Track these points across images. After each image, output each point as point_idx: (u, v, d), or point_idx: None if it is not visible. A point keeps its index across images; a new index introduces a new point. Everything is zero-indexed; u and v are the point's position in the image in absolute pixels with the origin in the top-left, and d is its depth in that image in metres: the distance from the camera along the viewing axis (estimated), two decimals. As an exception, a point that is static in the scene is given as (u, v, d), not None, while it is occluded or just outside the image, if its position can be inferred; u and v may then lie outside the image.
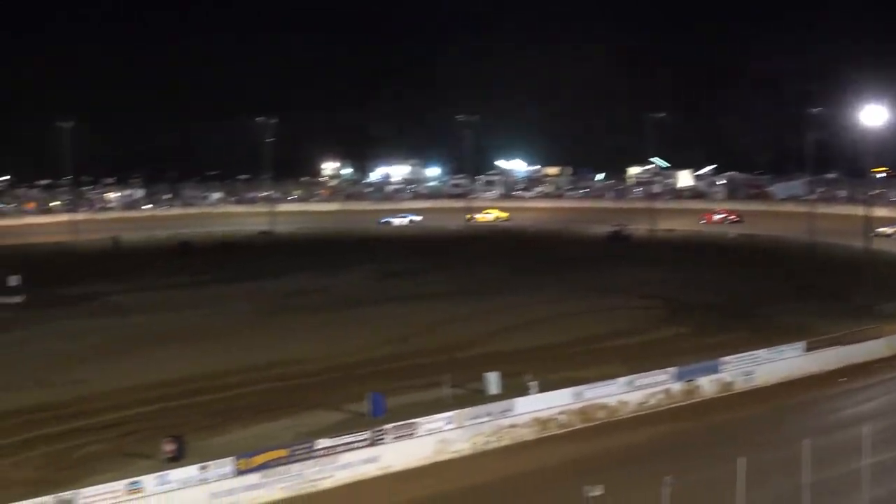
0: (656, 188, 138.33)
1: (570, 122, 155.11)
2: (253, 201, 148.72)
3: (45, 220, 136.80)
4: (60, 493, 34.98)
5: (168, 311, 73.59)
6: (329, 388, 50.96)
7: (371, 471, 40.29)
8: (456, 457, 42.28)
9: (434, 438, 42.14)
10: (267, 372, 54.57)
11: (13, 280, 77.30)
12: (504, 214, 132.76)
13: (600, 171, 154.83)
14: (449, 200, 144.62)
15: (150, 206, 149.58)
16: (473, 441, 43.11)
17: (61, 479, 39.00)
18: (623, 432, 45.13)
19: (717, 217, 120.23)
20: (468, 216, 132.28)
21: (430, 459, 41.68)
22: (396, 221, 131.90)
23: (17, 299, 76.23)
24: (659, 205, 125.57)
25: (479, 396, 47.75)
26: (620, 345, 59.15)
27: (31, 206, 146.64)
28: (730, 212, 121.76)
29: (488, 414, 43.92)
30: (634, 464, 40.52)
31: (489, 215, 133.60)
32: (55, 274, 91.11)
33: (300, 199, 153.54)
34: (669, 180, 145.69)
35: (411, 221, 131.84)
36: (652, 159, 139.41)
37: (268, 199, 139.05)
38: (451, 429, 42.60)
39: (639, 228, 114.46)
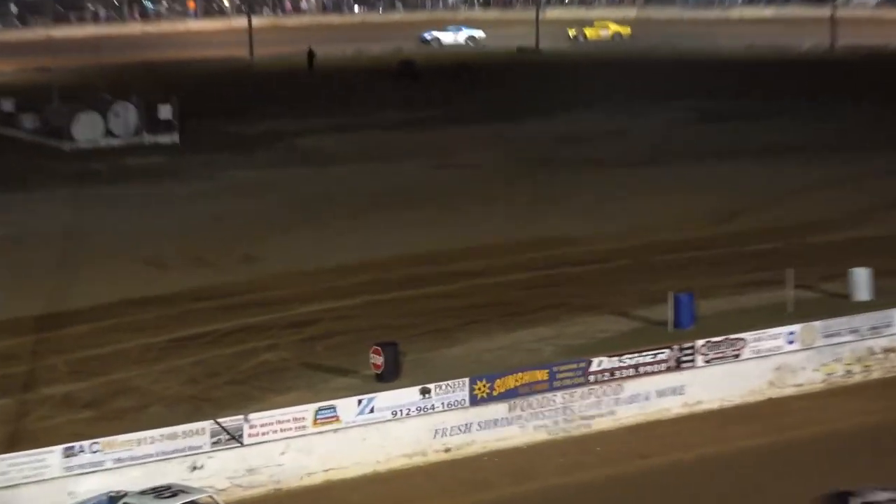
0: None
1: None
2: (509, 3, 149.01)
3: (210, 25, 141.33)
4: (222, 419, 35.97)
5: (380, 161, 75.16)
6: (611, 283, 51.35)
7: (672, 407, 40.44)
8: (800, 392, 41.96)
9: (768, 364, 41.84)
10: (520, 255, 55.27)
11: (165, 111, 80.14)
12: (625, 29, 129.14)
13: None
14: (802, 6, 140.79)
15: (359, 7, 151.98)
16: (828, 369, 42.65)
17: (222, 399, 40.44)
18: None
19: None
20: (572, 31, 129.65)
21: (760, 394, 41.52)
22: (447, 38, 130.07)
23: (170, 139, 79.02)
24: None
25: (838, 303, 47.00)
26: None
27: (192, 6, 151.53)
28: None
29: (853, 330, 43.16)
30: None
31: (604, 30, 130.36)
32: (223, 104, 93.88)
33: (580, 2, 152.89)
34: None
35: (470, 40, 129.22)
36: None
37: (531, 1, 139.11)
38: (795, 350, 42.19)
39: None
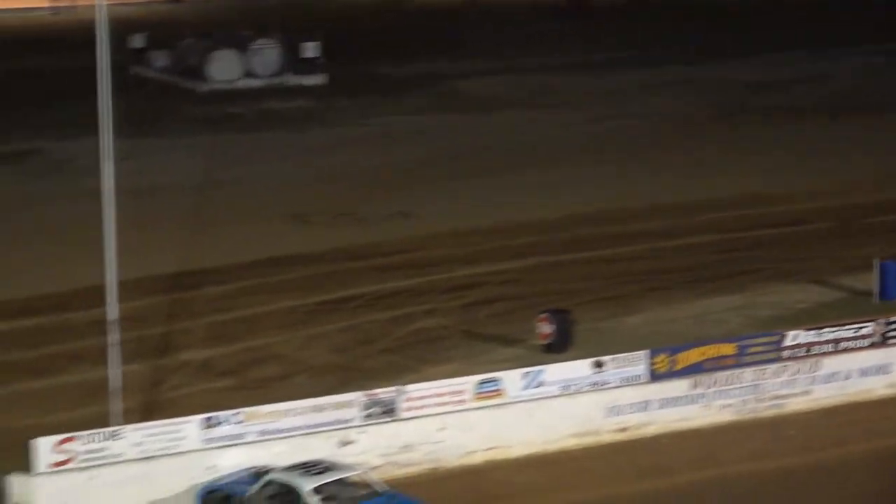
0: None
1: None
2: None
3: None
4: (374, 391, 36.63)
5: (546, 108, 75.39)
6: (810, 248, 51.61)
7: (877, 388, 40.41)
8: None
9: None
10: (706, 215, 55.60)
11: (310, 49, 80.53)
12: None
13: None
14: None
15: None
16: None
17: (374, 368, 41.21)
18: None
19: None
20: None
21: (981, 376, 41.23)
22: None
23: (316, 80, 79.32)
24: None
25: None
26: None
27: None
28: None
29: None
30: None
31: None
32: (372, 41, 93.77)
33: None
34: None
35: None
36: None
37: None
38: None
39: None
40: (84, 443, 34.43)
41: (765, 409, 39.54)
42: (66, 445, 34.31)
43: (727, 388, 39.26)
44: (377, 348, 43.28)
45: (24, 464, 34.29)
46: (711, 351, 39.43)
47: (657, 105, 76.16)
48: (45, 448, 34.10)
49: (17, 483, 34.23)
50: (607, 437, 37.93)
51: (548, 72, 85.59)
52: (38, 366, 42.10)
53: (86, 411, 37.27)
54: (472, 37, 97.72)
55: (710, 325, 43.82)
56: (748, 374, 39.46)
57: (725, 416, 39.09)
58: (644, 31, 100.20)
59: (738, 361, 39.47)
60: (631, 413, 38.43)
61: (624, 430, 38.19)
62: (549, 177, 61.66)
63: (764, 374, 39.61)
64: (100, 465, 34.30)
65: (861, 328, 40.58)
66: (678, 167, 63.18)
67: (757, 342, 40.04)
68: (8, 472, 34.42)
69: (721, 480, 35.96)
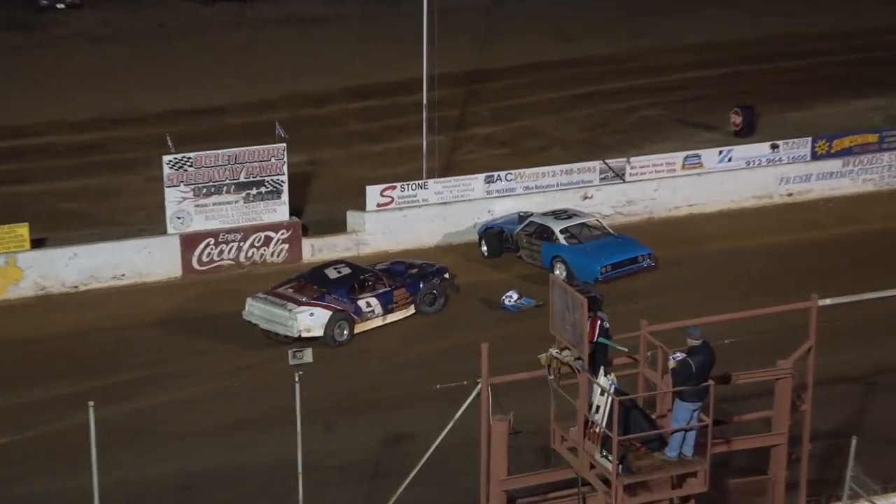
0: None
1: None
2: None
3: None
4: (610, 160, 36.46)
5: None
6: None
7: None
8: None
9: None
10: (862, 40, 51.72)
11: None
12: None
13: None
14: None
15: None
16: None
17: (610, 144, 40.34)
18: None
19: None
20: None
21: None
22: None
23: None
24: None
25: None
26: None
27: None
28: None
29: None
30: None
31: None
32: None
33: None
34: None
35: None
36: None
37: None
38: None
39: None
40: (401, 190, 35.39)
41: (896, 182, 39.67)
42: (389, 192, 35.28)
43: (870, 166, 38.33)
44: (611, 129, 42.43)
45: (359, 203, 35.08)
46: (860, 139, 38.71)
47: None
48: (373, 193, 35.13)
49: (352, 217, 35.27)
50: (778, 200, 37.29)
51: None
52: (372, 134, 42.11)
53: (403, 168, 37.38)
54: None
55: (857, 120, 41.74)
56: (887, 156, 38.28)
57: (868, 187, 38.04)
58: None
59: (880, 146, 38.48)
60: (797, 183, 37.99)
61: (790, 195, 37.40)
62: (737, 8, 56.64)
63: (896, 156, 39.28)
64: (411, 207, 35.12)
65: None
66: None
67: (893, 134, 38.79)
68: (347, 209, 35.31)
69: (862, 235, 35.16)
